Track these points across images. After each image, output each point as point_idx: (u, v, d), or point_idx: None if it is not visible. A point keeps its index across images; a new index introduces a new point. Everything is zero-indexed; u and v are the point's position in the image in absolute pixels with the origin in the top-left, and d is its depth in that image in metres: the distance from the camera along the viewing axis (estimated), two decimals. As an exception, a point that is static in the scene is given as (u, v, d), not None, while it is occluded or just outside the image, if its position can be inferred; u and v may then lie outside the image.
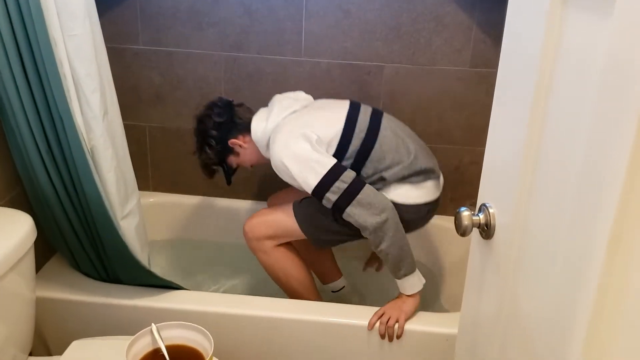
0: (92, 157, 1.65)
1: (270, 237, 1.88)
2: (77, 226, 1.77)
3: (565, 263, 0.83)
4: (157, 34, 2.26)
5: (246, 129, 1.89)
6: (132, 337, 1.43)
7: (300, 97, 1.96)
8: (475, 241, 1.17)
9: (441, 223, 2.27)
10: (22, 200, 1.83)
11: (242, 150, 1.92)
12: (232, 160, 1.95)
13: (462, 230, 1.10)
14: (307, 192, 1.74)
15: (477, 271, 1.19)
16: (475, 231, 1.14)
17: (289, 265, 1.91)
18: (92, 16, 1.58)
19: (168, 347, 1.44)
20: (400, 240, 1.70)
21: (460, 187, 2.38)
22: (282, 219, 1.87)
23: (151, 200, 2.46)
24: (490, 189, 1.13)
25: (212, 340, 1.44)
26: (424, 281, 1.78)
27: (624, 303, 0.72)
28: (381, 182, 1.77)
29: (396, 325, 1.73)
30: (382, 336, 1.75)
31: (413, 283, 1.76)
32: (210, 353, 1.41)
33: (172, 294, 1.86)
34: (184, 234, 2.50)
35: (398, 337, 1.74)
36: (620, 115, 0.68)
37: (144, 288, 1.86)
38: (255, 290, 2.26)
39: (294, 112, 1.85)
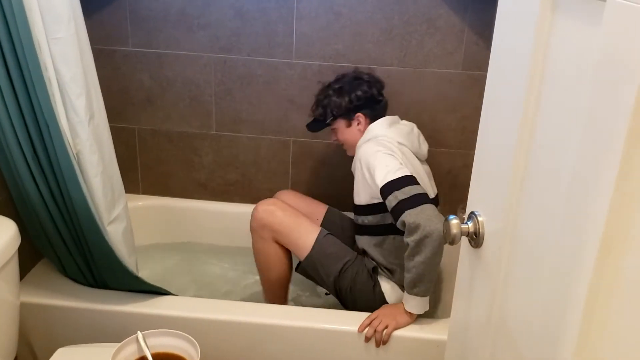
0: (78, 162, 1.63)
1: (276, 233, 1.92)
2: (64, 231, 1.75)
3: (554, 271, 0.81)
4: (147, 35, 2.23)
5: (373, 116, 1.93)
6: (118, 345, 1.41)
7: (415, 139, 1.97)
8: (464, 249, 1.16)
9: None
10: (8, 206, 1.80)
11: (354, 126, 1.94)
12: (340, 123, 1.95)
13: (450, 239, 1.08)
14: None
15: (466, 279, 1.17)
16: (465, 239, 1.12)
17: (277, 261, 1.96)
18: (78, 18, 1.56)
19: (154, 355, 1.43)
20: (433, 264, 1.67)
21: (453, 191, 2.36)
22: (300, 233, 1.91)
23: (140, 203, 2.44)
24: (479, 196, 1.11)
25: (199, 348, 1.42)
26: (427, 308, 1.76)
27: (613, 311, 0.71)
28: None
29: (384, 332, 1.72)
30: (367, 339, 1.73)
31: (419, 304, 1.73)
32: (198, 358, 1.39)
33: (160, 299, 1.84)
34: (174, 238, 2.47)
35: (383, 343, 1.72)
36: (610, 120, 0.66)
37: (131, 293, 1.84)
38: (247, 294, 2.24)
39: (402, 145, 1.86)
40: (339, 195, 2.32)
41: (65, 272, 1.90)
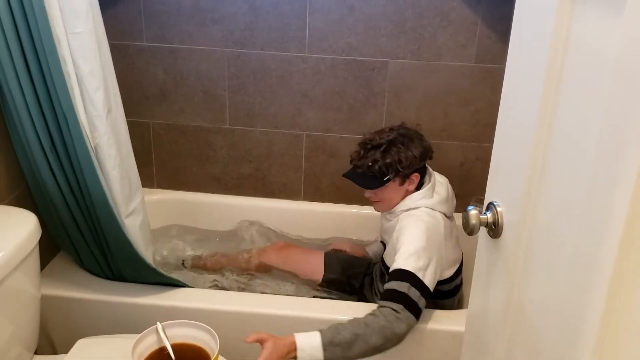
0: (96, 155, 1.65)
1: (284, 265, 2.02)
2: (82, 224, 1.77)
3: (575, 262, 0.81)
4: (161, 30, 2.25)
5: (422, 178, 1.84)
6: (138, 336, 1.43)
7: (451, 201, 1.89)
8: (482, 240, 1.16)
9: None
10: (27, 198, 1.82)
11: (405, 185, 1.81)
12: (394, 184, 1.80)
13: (469, 229, 1.09)
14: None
15: (484, 270, 1.18)
16: (483, 230, 1.13)
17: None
18: (95, 13, 1.57)
19: (174, 346, 1.44)
20: (367, 349, 1.54)
21: (466, 183, 2.36)
22: (306, 257, 2.02)
23: (155, 197, 2.46)
24: (498, 187, 1.12)
25: (218, 339, 1.43)
26: None
27: (636, 303, 0.71)
28: None
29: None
30: None
31: (311, 352, 1.51)
32: (216, 351, 1.41)
33: (177, 291, 1.85)
34: (187, 230, 2.49)
35: None
36: (632, 111, 0.66)
37: (148, 286, 1.86)
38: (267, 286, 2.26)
39: (443, 216, 1.80)
40: (352, 189, 2.32)
41: (83, 265, 1.92)
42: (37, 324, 1.57)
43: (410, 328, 1.59)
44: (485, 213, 1.11)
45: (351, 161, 1.85)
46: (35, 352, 1.59)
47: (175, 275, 2.20)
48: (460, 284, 1.93)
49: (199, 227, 2.49)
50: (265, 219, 2.46)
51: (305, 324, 1.77)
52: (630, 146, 0.67)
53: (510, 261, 1.05)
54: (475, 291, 1.23)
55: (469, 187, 2.36)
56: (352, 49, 2.21)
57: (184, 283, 1.90)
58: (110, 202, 1.66)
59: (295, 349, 1.48)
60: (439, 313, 1.78)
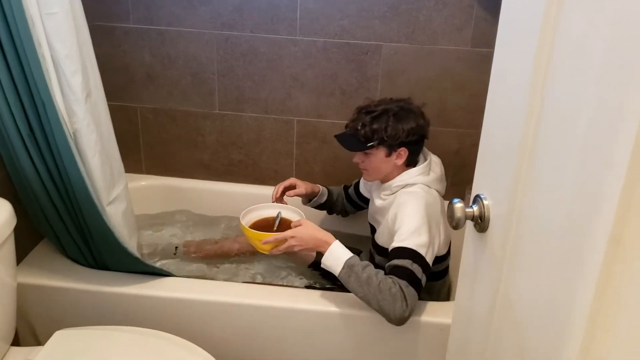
0: (75, 141, 1.59)
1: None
2: (63, 212, 1.72)
3: (562, 258, 0.78)
4: (148, 12, 2.18)
5: (413, 154, 1.80)
6: (245, 210, 1.86)
7: (444, 180, 1.88)
8: (469, 234, 1.11)
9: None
10: (6, 185, 1.77)
11: (392, 158, 1.77)
12: (380, 151, 1.77)
13: (454, 223, 1.04)
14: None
15: (471, 264, 1.13)
16: (469, 224, 1.08)
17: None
18: (73, -7, 1.51)
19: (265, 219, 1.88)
20: (366, 294, 1.57)
21: (461, 171, 2.31)
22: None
23: (143, 183, 2.41)
24: (485, 179, 1.07)
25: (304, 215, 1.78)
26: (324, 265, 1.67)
27: (624, 300, 0.67)
28: None
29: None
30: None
31: (332, 264, 1.63)
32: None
33: (162, 281, 1.81)
34: (176, 217, 2.44)
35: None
36: (623, 98, 0.62)
37: (133, 275, 1.81)
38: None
39: (439, 194, 1.81)
40: (344, 175, 2.28)
41: (66, 253, 1.88)
42: (13, 314, 1.52)
43: (412, 307, 1.55)
44: (471, 206, 1.06)
45: (346, 125, 1.85)
46: (17, 344, 1.55)
47: (166, 262, 2.18)
48: (448, 266, 1.93)
49: (189, 215, 2.44)
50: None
51: (296, 315, 1.74)
52: (621, 134, 0.62)
53: (497, 256, 1.00)
54: (462, 286, 1.18)
55: (464, 175, 2.31)
56: (345, 32, 2.14)
57: (169, 272, 1.85)
58: (90, 189, 1.61)
59: (325, 248, 1.64)
60: (431, 305, 1.74)
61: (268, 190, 2.38)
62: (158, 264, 2.18)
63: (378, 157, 1.78)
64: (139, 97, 2.33)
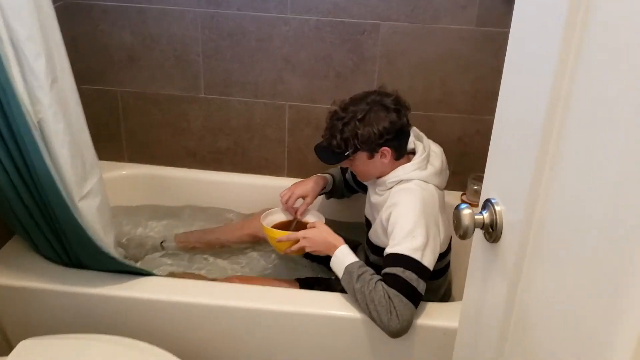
0: (41, 132, 1.45)
1: None
2: (33, 208, 1.58)
3: (596, 274, 0.64)
4: (127, -12, 2.02)
5: (399, 148, 1.67)
6: (264, 212, 1.90)
7: (445, 173, 1.76)
8: (477, 243, 0.97)
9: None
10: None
11: (377, 159, 1.66)
12: (361, 155, 1.66)
13: (462, 232, 0.90)
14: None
15: (479, 277, 0.99)
16: (478, 232, 0.94)
17: None
18: (33, -33, 1.35)
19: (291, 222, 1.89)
20: (363, 298, 1.51)
21: (464, 159, 2.17)
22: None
23: (124, 172, 2.28)
24: (497, 181, 0.92)
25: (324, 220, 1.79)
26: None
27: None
28: None
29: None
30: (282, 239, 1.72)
31: (338, 266, 1.60)
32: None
33: (142, 281, 1.68)
34: (162, 209, 2.31)
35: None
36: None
37: (111, 275, 1.68)
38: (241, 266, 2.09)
39: (437, 189, 1.68)
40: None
41: (39, 251, 1.74)
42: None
43: (407, 318, 1.45)
44: (481, 212, 0.91)
45: (323, 134, 1.74)
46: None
47: (153, 257, 2.06)
48: (449, 262, 1.82)
49: (174, 205, 2.31)
50: (245, 197, 2.27)
51: (289, 318, 1.62)
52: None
53: (511, 270, 0.86)
54: (468, 301, 1.05)
55: (468, 164, 2.17)
56: (340, 10, 1.99)
57: (149, 271, 1.73)
58: (59, 184, 1.46)
59: (333, 252, 1.62)
60: (430, 307, 1.61)
61: (258, 180, 2.28)
62: (145, 259, 2.07)
63: (361, 162, 1.68)
64: (120, 81, 2.18)
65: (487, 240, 0.91)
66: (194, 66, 2.12)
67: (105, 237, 1.66)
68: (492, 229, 0.90)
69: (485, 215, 0.90)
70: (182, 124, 2.23)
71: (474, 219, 0.90)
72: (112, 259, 1.62)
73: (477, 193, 2.13)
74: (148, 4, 2.04)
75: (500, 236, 0.89)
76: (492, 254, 0.92)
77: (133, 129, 2.26)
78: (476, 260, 0.99)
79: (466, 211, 0.89)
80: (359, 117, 1.60)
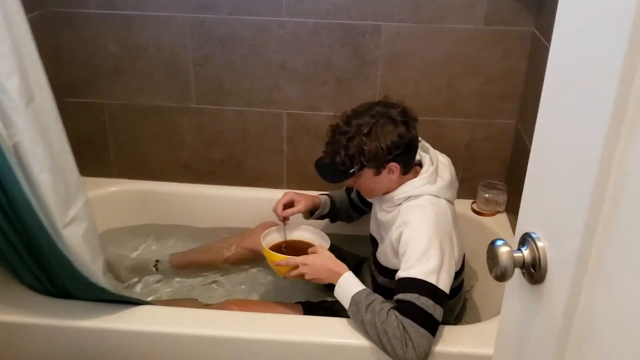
0: (18, 156, 1.33)
1: None
2: (13, 237, 1.45)
3: None
4: (110, -6, 1.90)
5: (408, 163, 1.54)
6: (264, 231, 1.77)
7: (455, 185, 1.64)
8: (513, 284, 0.85)
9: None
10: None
11: (384, 175, 1.53)
12: (367, 172, 1.53)
13: (499, 273, 0.77)
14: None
15: (515, 326, 0.86)
16: (516, 271, 0.81)
17: None
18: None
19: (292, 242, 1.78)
20: (372, 330, 1.39)
21: (473, 166, 2.06)
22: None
23: (113, 189, 2.16)
24: (538, 211, 0.80)
25: (329, 240, 1.72)
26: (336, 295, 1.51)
27: None
28: None
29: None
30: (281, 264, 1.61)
31: (342, 296, 1.47)
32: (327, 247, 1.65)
33: (135, 311, 1.55)
34: (155, 227, 2.19)
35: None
36: None
37: (100, 305, 1.56)
38: (237, 289, 1.97)
39: (449, 203, 1.57)
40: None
41: (22, 280, 1.61)
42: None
43: (424, 348, 1.34)
44: (519, 249, 0.79)
45: (324, 150, 1.61)
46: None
47: (147, 280, 1.97)
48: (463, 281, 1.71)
49: (168, 223, 2.19)
50: (243, 211, 2.15)
51: (291, 348, 1.50)
52: None
53: (559, 318, 0.74)
54: (502, 353, 0.92)
55: (477, 170, 2.06)
56: (338, 11, 1.87)
57: (141, 300, 1.60)
58: (38, 212, 1.34)
59: (336, 280, 1.48)
60: (447, 331, 1.49)
61: (256, 193, 2.16)
62: (139, 285, 1.95)
63: (368, 179, 1.55)
64: (106, 93, 2.06)
65: (528, 282, 0.79)
66: (185, 75, 2.00)
67: (93, 265, 1.54)
68: (534, 268, 0.77)
69: (526, 252, 0.78)
70: (173, 136, 2.11)
71: (514, 257, 0.77)
72: (101, 289, 1.50)
73: (488, 201, 2.02)
74: (133, 10, 1.91)
75: (545, 277, 0.76)
76: (534, 298, 0.79)
77: (122, 143, 2.14)
78: (512, 306, 0.86)
79: (504, 249, 0.77)
80: (365, 131, 1.48)
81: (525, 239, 0.79)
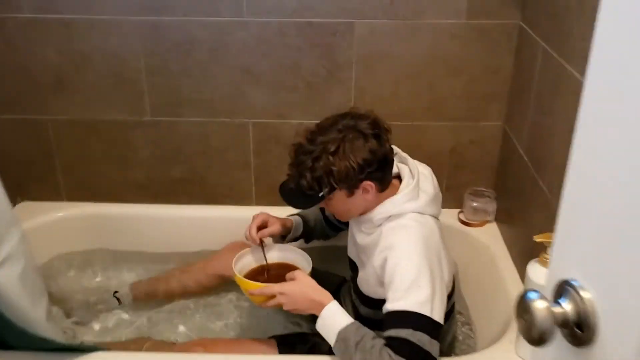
0: None
1: None
2: None
3: None
4: (46, -4, 1.70)
5: (383, 180, 1.36)
6: (238, 254, 1.53)
7: (438, 197, 1.47)
8: (553, 349, 0.67)
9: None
10: None
11: (358, 195, 1.35)
12: (339, 193, 1.35)
13: (536, 335, 0.60)
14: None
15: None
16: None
17: None
18: None
19: (271, 265, 1.56)
20: None
21: (458, 173, 1.91)
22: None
23: (60, 214, 1.96)
24: (580, 253, 0.62)
25: (311, 261, 1.50)
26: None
27: None
28: None
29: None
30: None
31: (326, 331, 1.30)
32: (309, 270, 1.45)
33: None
34: (112, 253, 1.99)
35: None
36: None
37: (45, 354, 1.34)
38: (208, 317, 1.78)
39: (434, 219, 1.41)
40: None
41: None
42: None
43: None
44: (557, 302, 0.62)
45: (288, 173, 1.42)
46: None
47: (108, 315, 1.78)
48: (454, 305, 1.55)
49: (125, 249, 1.99)
50: (209, 232, 1.95)
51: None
52: None
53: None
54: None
55: (463, 177, 1.91)
56: (305, 8, 1.71)
57: (92, 346, 1.40)
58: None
59: (319, 311, 1.31)
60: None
61: (222, 212, 1.99)
62: (95, 321, 1.75)
63: (340, 201, 1.37)
64: (49, 108, 1.86)
65: (572, 344, 0.61)
66: (136, 85, 1.81)
67: (33, 311, 1.34)
68: (579, 327, 0.60)
69: (568, 307, 0.60)
70: (127, 154, 1.91)
71: (554, 315, 0.60)
72: (43, 339, 1.29)
73: (477, 210, 1.86)
74: (73, 14, 1.72)
75: (595, 337, 0.59)
76: (579, 362, 0.62)
77: (70, 163, 1.94)
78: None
79: (541, 304, 0.59)
80: (332, 149, 1.29)
81: (564, 289, 0.62)
